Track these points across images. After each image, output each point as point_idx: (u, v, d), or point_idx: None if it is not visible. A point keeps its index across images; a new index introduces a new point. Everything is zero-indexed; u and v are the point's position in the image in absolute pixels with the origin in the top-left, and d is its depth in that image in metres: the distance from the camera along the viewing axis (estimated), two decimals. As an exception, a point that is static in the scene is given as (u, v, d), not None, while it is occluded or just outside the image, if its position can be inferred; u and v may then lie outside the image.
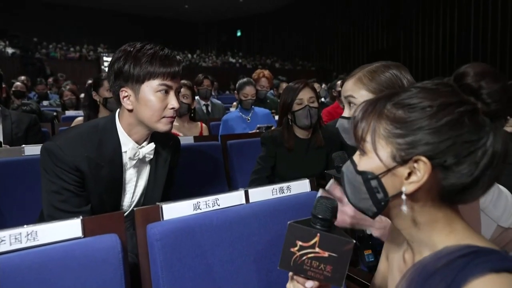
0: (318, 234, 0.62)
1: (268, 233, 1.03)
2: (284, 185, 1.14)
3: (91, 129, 1.19)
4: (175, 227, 0.90)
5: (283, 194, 1.13)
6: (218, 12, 19.00)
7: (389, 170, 0.59)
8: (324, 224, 0.63)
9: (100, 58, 13.34)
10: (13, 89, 4.46)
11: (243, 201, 1.05)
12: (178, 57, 1.18)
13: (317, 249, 0.63)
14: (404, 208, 0.58)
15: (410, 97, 0.59)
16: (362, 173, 0.62)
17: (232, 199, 1.03)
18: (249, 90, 3.07)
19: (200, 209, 0.98)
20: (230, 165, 2.21)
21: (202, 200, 0.98)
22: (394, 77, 1.07)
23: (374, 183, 0.60)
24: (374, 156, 0.60)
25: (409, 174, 0.57)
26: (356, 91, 1.09)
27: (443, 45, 13.26)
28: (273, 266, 1.02)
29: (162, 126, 1.17)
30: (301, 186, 1.18)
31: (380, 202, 0.61)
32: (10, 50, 11.73)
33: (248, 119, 3.05)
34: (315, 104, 1.85)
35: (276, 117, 3.24)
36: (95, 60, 13.54)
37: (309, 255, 0.63)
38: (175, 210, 0.94)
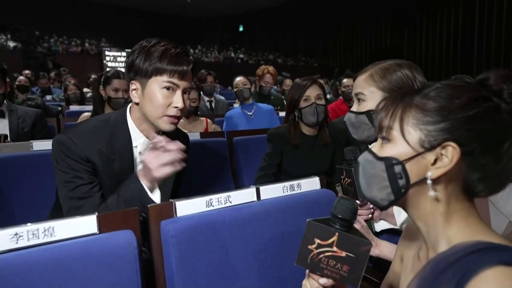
0: (337, 233, 0.63)
1: (280, 230, 1.04)
2: (295, 182, 1.15)
3: (102, 122, 1.19)
4: (189, 224, 0.90)
5: (294, 192, 1.14)
6: (220, 6, 18.90)
7: (416, 156, 0.60)
8: (343, 224, 0.64)
9: (102, 53, 13.29)
10: (16, 83, 4.45)
11: (255, 198, 1.06)
12: (190, 57, 1.17)
13: (334, 248, 0.63)
14: (432, 193, 0.59)
15: (439, 92, 0.61)
16: (385, 159, 0.62)
17: (243, 196, 1.04)
18: (238, 80, 3.15)
19: (213, 206, 0.98)
20: (236, 161, 2.22)
21: (214, 197, 0.99)
22: (406, 77, 1.06)
23: (398, 168, 0.61)
24: (400, 142, 0.61)
25: (435, 161, 0.59)
26: (366, 88, 1.09)
27: (447, 44, 13.19)
28: (284, 263, 1.03)
29: (164, 125, 1.15)
30: (311, 183, 1.19)
31: (401, 189, 0.61)
32: (11, 44, 11.65)
33: (251, 115, 3.04)
34: (322, 102, 1.84)
35: (280, 114, 3.24)
36: (97, 54, 13.49)
37: (326, 254, 0.63)
38: (188, 207, 0.94)
